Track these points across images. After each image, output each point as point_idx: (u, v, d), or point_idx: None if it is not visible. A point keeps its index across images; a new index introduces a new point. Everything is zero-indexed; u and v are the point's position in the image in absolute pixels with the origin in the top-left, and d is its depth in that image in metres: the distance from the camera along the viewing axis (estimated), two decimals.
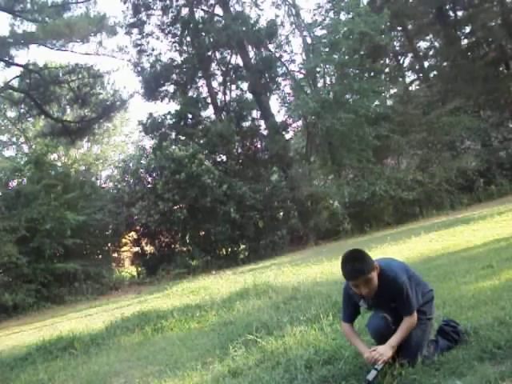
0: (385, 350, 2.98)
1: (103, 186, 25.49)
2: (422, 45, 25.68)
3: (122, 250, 21.44)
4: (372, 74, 21.82)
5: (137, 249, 20.56)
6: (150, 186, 19.59)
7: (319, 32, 20.91)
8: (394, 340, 3.03)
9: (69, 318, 11.46)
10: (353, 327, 3.33)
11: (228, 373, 3.77)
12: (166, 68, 22.61)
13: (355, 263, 3.07)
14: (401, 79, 25.10)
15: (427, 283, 3.48)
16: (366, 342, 3.39)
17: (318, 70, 20.88)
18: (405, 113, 20.24)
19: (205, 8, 23.66)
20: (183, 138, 21.21)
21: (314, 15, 22.03)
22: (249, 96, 23.22)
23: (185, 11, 23.14)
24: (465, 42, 24.02)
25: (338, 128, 18.28)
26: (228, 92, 23.54)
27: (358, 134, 18.93)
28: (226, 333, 5.17)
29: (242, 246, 20.28)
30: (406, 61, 25.99)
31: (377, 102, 20.17)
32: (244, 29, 20.98)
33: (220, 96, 23.42)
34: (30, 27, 17.66)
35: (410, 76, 26.62)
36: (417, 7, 23.09)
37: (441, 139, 20.07)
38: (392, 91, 23.49)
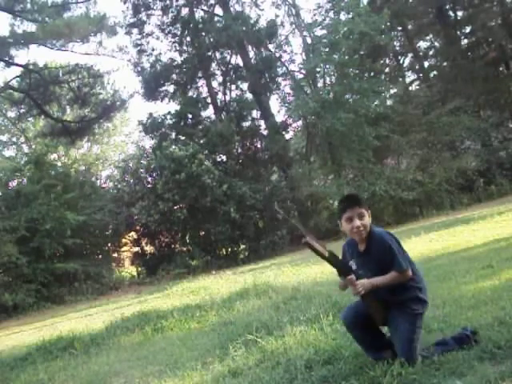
0: (364, 282, 3.05)
1: (103, 186, 25.51)
2: (422, 45, 25.71)
3: (122, 250, 21.44)
4: (372, 74, 21.83)
5: (137, 249, 20.56)
6: (149, 186, 19.59)
7: (319, 32, 20.92)
8: (377, 279, 3.06)
9: (69, 317, 11.46)
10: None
11: (228, 373, 3.77)
12: (166, 68, 22.62)
13: (352, 196, 3.56)
14: (401, 79, 25.11)
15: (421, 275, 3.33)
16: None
17: (318, 70, 20.87)
18: (405, 113, 20.24)
19: (205, 8, 23.67)
20: (183, 138, 21.21)
21: (314, 15, 22.05)
22: (249, 96, 23.23)
23: (185, 11, 23.16)
24: (465, 41, 24.02)
25: (338, 128, 18.27)
26: (228, 92, 23.56)
27: (357, 134, 18.91)
28: (226, 333, 5.16)
29: (242, 246, 20.28)
30: (406, 61, 26.03)
31: (377, 102, 20.16)
32: (244, 29, 20.99)
33: (220, 96, 23.46)
34: (30, 27, 17.71)
35: (409, 76, 26.65)
36: (417, 7, 23.09)
37: (441, 139, 20.06)
38: (392, 91, 23.49)
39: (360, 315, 3.20)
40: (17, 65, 18.48)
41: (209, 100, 23.27)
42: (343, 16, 20.61)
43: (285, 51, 22.97)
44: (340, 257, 3.30)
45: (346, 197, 3.47)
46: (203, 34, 22.19)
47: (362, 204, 3.20)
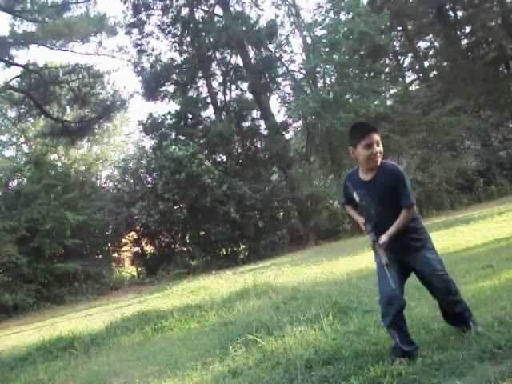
0: (384, 241, 3.20)
1: (103, 186, 25.53)
2: (422, 45, 25.69)
3: (122, 250, 21.45)
4: (372, 74, 21.81)
5: (137, 249, 20.56)
6: (149, 186, 19.58)
7: (319, 32, 20.92)
8: (392, 230, 3.21)
9: (69, 317, 11.46)
10: (353, 207, 3.57)
11: (228, 373, 3.77)
12: (166, 68, 22.61)
13: (368, 124, 3.50)
14: (401, 79, 25.10)
15: None
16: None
17: (318, 70, 20.87)
18: (405, 113, 20.22)
19: (205, 8, 23.67)
20: (183, 138, 21.20)
21: (314, 15, 22.04)
22: (249, 96, 23.23)
23: (185, 11, 23.16)
24: (465, 41, 24.01)
25: (337, 128, 18.26)
26: (228, 92, 23.55)
27: None
28: (226, 333, 5.17)
29: (242, 246, 20.27)
30: (406, 61, 26.01)
31: (377, 102, 20.15)
32: (244, 29, 20.98)
33: (220, 96, 23.45)
34: (30, 27, 17.72)
35: (410, 76, 26.63)
36: (417, 7, 23.08)
37: (441, 139, 20.05)
38: (392, 91, 23.47)
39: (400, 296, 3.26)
40: (17, 65, 18.48)
41: (209, 100, 23.26)
42: (343, 16, 20.61)
43: (285, 51, 22.93)
44: (342, 191, 3.63)
45: (361, 124, 3.53)
46: (203, 34, 22.18)
47: (377, 130, 3.32)
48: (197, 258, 18.75)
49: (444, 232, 10.59)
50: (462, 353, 3.05)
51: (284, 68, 22.93)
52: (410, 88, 24.98)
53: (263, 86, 22.41)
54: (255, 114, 23.18)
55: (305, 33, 22.57)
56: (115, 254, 21.32)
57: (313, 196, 20.10)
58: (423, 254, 3.32)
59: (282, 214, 21.70)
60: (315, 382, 3.16)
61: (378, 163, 3.28)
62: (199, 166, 18.26)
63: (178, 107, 22.52)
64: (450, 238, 9.51)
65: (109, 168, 31.32)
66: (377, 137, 3.27)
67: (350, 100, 20.07)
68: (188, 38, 22.92)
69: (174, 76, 23.12)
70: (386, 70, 24.73)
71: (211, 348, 4.73)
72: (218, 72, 23.95)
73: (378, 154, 3.25)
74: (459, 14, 23.74)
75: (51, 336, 7.13)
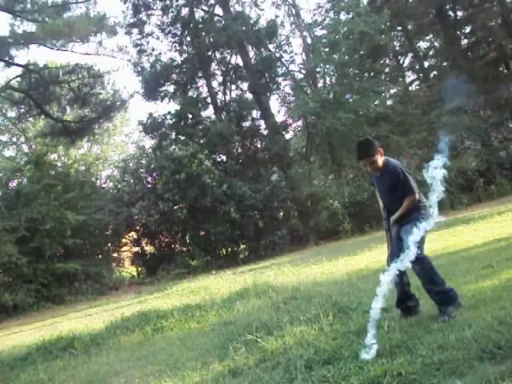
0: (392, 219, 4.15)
1: (103, 185, 25.52)
2: (422, 45, 25.70)
3: (122, 250, 21.44)
4: (372, 74, 21.82)
5: (137, 249, 20.57)
6: (150, 186, 19.59)
7: (319, 32, 20.97)
8: (396, 215, 4.11)
9: (69, 317, 11.47)
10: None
11: (228, 373, 3.77)
12: (166, 68, 22.60)
13: (363, 147, 4.17)
14: (401, 79, 25.10)
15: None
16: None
17: (318, 70, 20.89)
18: (405, 113, 20.23)
19: (205, 8, 23.67)
20: (183, 137, 21.20)
21: (314, 15, 22.08)
22: (249, 96, 23.23)
23: (185, 11, 23.15)
24: (465, 41, 24.02)
25: (337, 128, 18.27)
26: (228, 92, 23.56)
27: (357, 134, 18.91)
28: (226, 333, 5.17)
29: (242, 246, 20.29)
30: (406, 61, 26.02)
31: (377, 102, 20.16)
32: (244, 29, 21.00)
33: (220, 96, 23.46)
34: (30, 27, 17.69)
35: (409, 76, 26.64)
36: (417, 7, 23.08)
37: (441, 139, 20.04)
38: (392, 91, 23.49)
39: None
40: (17, 65, 18.46)
41: (209, 100, 23.27)
42: (343, 16, 20.64)
43: (285, 51, 22.94)
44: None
45: (357, 149, 4.23)
46: (203, 33, 22.19)
47: (370, 154, 4.03)
48: (197, 258, 18.76)
49: (444, 232, 10.58)
50: (462, 353, 3.04)
51: (284, 68, 22.95)
52: (410, 88, 24.99)
53: (263, 86, 22.41)
54: (255, 114, 23.21)
55: (305, 33, 22.59)
56: (115, 254, 21.32)
57: (313, 196, 20.11)
58: (403, 232, 4.06)
59: (281, 214, 21.71)
60: (315, 382, 3.16)
61: (375, 172, 4.14)
62: (199, 165, 18.26)
63: (178, 107, 22.52)
64: (450, 237, 9.52)
65: (109, 168, 31.31)
66: (369, 160, 4.04)
67: (350, 100, 20.08)
68: (188, 38, 22.92)
69: (174, 76, 23.12)
70: (386, 70, 24.74)
71: (211, 348, 4.73)
72: (218, 72, 23.97)
73: (370, 170, 4.14)
74: (459, 14, 23.76)
75: (51, 336, 7.13)
